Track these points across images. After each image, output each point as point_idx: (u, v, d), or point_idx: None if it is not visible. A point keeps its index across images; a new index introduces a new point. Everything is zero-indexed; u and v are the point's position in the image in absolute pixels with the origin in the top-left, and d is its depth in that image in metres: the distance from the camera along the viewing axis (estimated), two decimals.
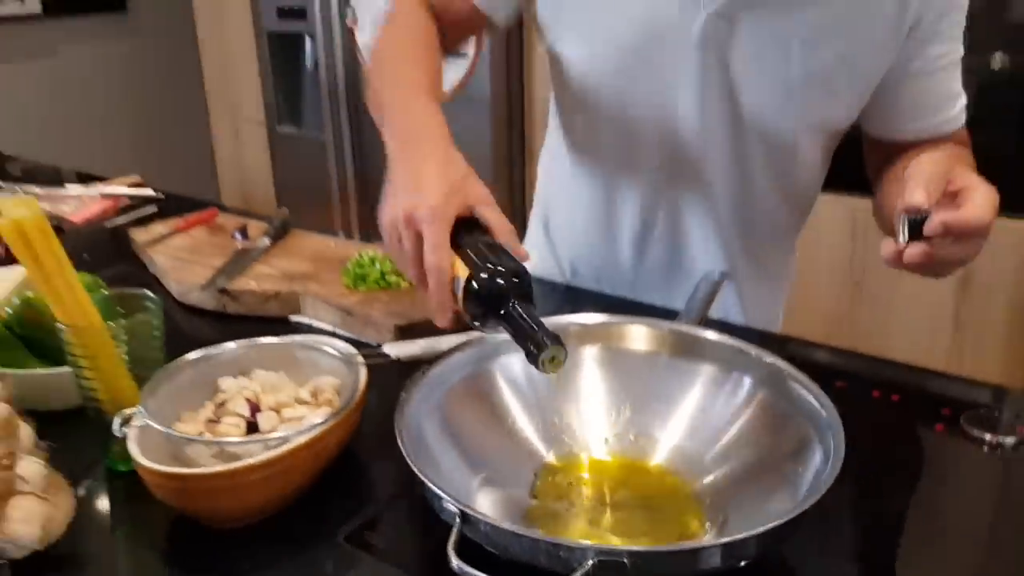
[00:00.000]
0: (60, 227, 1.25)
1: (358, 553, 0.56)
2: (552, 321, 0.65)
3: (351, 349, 0.68)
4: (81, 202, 1.44)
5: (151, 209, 1.45)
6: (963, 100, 0.83)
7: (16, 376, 0.68)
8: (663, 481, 0.59)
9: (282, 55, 2.42)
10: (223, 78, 2.77)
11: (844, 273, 1.73)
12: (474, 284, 0.54)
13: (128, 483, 0.64)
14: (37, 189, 1.48)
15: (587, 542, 0.45)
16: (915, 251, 0.60)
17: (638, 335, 0.66)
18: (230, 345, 0.69)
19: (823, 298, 1.76)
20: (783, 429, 0.55)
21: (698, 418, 0.60)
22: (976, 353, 1.57)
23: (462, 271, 0.56)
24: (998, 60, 1.53)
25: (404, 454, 0.51)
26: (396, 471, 0.62)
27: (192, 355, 0.66)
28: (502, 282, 0.53)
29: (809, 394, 0.54)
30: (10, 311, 0.76)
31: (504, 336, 0.62)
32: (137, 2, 3.59)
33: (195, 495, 0.56)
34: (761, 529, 0.43)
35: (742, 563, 0.45)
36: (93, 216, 1.41)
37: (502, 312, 0.54)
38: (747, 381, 0.59)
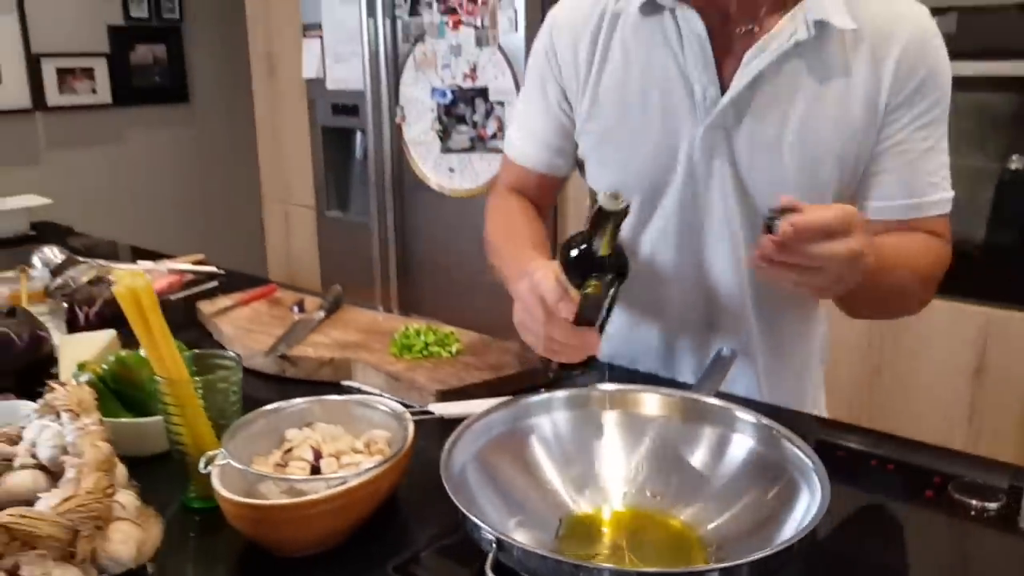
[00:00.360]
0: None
1: None
2: (577, 389, 0.75)
3: (400, 407, 0.78)
4: (152, 276, 1.59)
5: (213, 284, 1.59)
6: (936, 195, 0.88)
7: (112, 424, 0.79)
8: (674, 529, 0.67)
9: (333, 146, 2.62)
10: (277, 166, 2.99)
11: (864, 360, 1.79)
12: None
13: (202, 518, 0.74)
14: (112, 264, 1.63)
15: (604, 564, 0.53)
16: (766, 242, 0.68)
17: (652, 402, 0.75)
18: (297, 400, 0.79)
19: (844, 384, 1.81)
20: (776, 480, 0.63)
21: (704, 473, 0.68)
22: (991, 439, 1.61)
23: None
24: (1015, 162, 1.63)
25: (448, 491, 0.60)
26: (439, 513, 0.71)
27: (265, 408, 0.76)
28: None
29: (798, 450, 0.62)
30: (105, 367, 0.87)
31: (535, 398, 0.72)
32: (199, 94, 3.90)
33: (266, 524, 0.65)
34: (752, 557, 0.51)
35: None
36: (162, 289, 1.54)
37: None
38: (745, 441, 0.67)
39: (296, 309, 1.25)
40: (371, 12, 2.29)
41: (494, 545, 0.55)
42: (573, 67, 0.97)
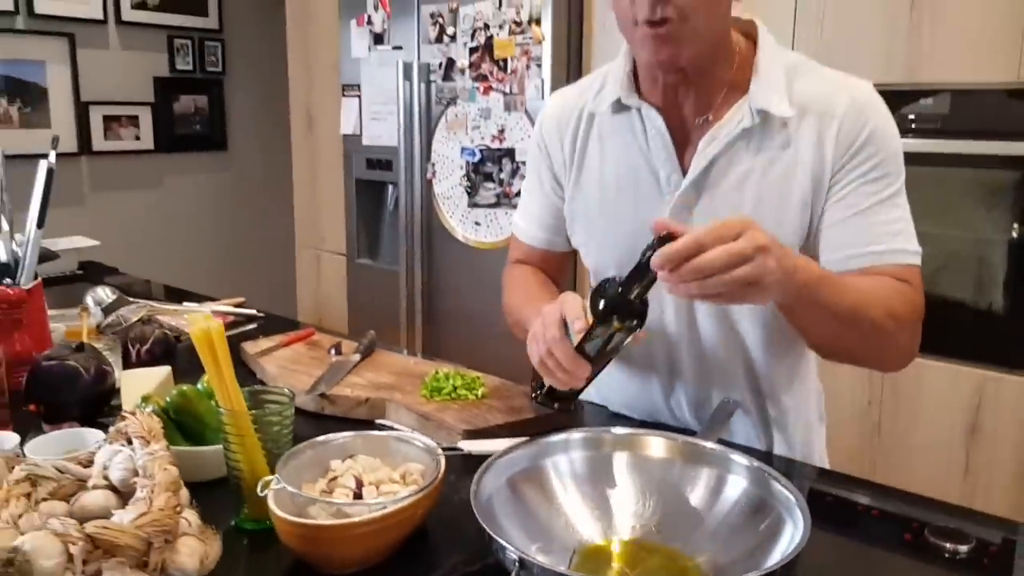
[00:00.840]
0: (179, 338, 1.48)
1: None
2: (591, 431, 0.84)
3: (432, 443, 0.87)
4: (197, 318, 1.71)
5: (252, 326, 1.70)
6: (894, 244, 0.94)
7: (176, 451, 0.88)
8: (676, 560, 0.75)
9: (366, 197, 2.77)
10: (312, 214, 3.14)
11: (864, 418, 1.86)
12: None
13: (253, 538, 0.83)
14: (160, 304, 1.75)
15: None
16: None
17: (657, 445, 0.83)
18: (341, 434, 0.88)
19: (845, 441, 1.88)
20: (765, 515, 0.71)
21: (702, 510, 0.77)
22: (985, 495, 1.67)
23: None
24: (1014, 231, 1.72)
25: (477, 517, 0.69)
26: (466, 539, 0.81)
27: (313, 440, 0.86)
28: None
29: (784, 488, 0.71)
30: (168, 400, 0.98)
31: (554, 438, 0.82)
32: (237, 143, 4.09)
33: (315, 542, 0.74)
34: None
35: None
36: None
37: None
38: (739, 481, 0.76)
39: (333, 352, 1.35)
40: (407, 76, 2.46)
41: (517, 564, 0.64)
42: (560, 157, 1.12)
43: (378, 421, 1.13)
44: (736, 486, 0.77)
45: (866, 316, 0.89)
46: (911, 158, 1.23)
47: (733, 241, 0.75)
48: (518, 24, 2.18)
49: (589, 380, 0.92)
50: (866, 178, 0.94)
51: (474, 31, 2.27)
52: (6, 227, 1.37)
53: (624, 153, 1.04)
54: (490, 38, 2.24)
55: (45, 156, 1.32)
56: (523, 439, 0.84)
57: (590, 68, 2.21)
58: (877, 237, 0.94)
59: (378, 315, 2.59)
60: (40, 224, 1.34)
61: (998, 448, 1.68)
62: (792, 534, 0.68)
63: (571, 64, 2.22)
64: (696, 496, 0.78)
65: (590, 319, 0.85)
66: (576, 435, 0.84)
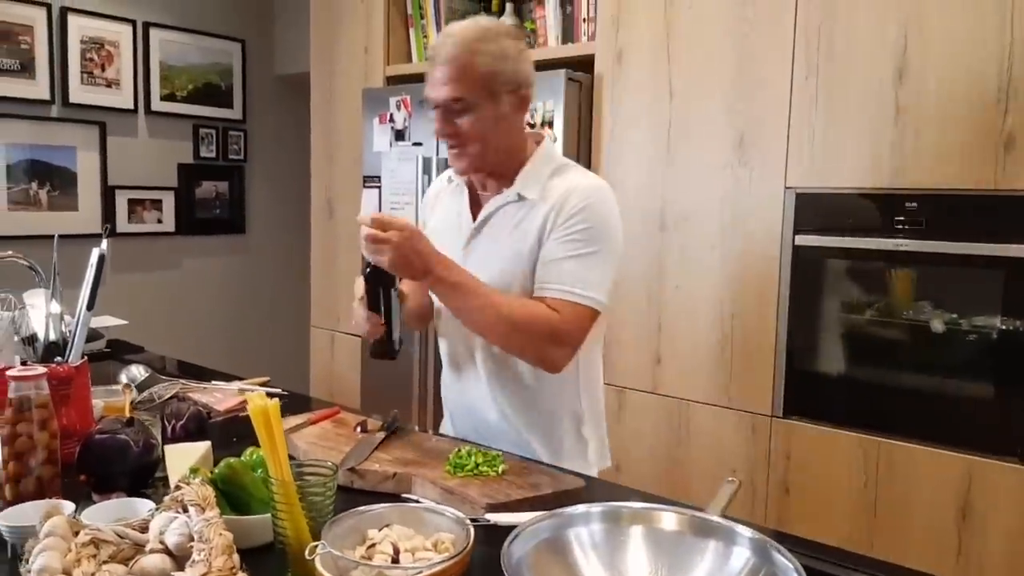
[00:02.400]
0: (209, 414, 1.56)
1: None
2: (611, 506, 0.92)
3: (461, 515, 0.95)
4: (223, 395, 1.79)
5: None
6: (559, 285, 1.35)
7: (226, 519, 0.96)
8: None
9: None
10: (328, 297, 3.25)
11: (860, 498, 1.92)
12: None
13: None
14: (190, 383, 1.84)
15: None
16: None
17: (669, 519, 0.91)
18: (378, 506, 0.96)
19: (843, 520, 1.93)
20: None
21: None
22: (977, 575, 1.73)
23: None
24: (999, 323, 1.82)
25: None
26: None
27: (353, 510, 0.94)
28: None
29: (782, 556, 0.79)
30: (216, 471, 1.06)
31: (576, 510, 0.90)
32: (255, 226, 4.25)
33: None
34: None
35: None
36: (233, 407, 1.74)
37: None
38: (743, 552, 0.84)
39: (359, 429, 1.43)
40: (426, 170, 2.63)
41: None
42: (429, 210, 1.63)
43: (404, 495, 1.21)
44: (740, 556, 0.84)
45: (494, 319, 1.32)
46: (898, 257, 1.35)
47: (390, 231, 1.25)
48: (531, 126, 2.36)
49: (389, 331, 1.38)
50: (564, 239, 1.36)
51: None
52: (56, 308, 1.47)
53: (447, 209, 1.55)
54: None
55: (70, 237, 1.43)
56: (547, 512, 0.92)
57: (600, 164, 2.37)
58: (559, 277, 1.35)
59: (390, 393, 2.67)
60: (90, 307, 1.44)
61: (989, 532, 1.73)
62: None
63: (580, 162, 2.38)
64: (705, 565, 0.85)
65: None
66: (595, 509, 0.92)
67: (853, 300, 1.94)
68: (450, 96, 1.34)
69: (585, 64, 2.42)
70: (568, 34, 2.58)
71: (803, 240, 1.97)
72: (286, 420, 1.49)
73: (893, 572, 0.99)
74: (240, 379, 1.92)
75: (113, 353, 2.20)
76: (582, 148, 2.39)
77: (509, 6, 2.79)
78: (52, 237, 1.53)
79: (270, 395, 1.78)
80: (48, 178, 3.49)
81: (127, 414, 1.41)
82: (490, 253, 1.44)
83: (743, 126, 2.07)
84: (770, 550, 0.81)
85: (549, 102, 2.32)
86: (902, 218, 1.83)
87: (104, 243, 1.46)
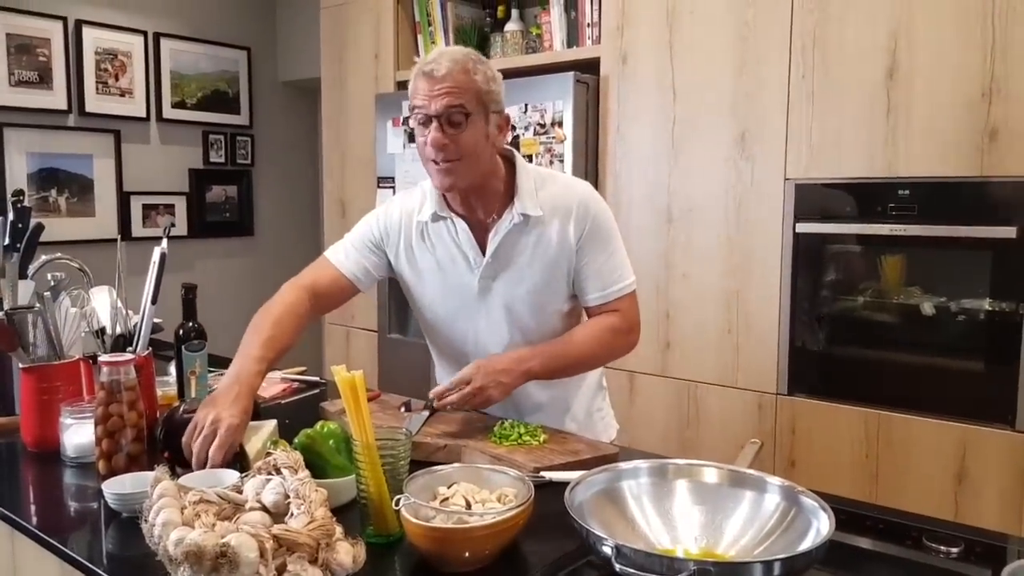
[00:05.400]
0: (256, 402, 1.68)
1: None
2: (657, 462, 1.05)
3: (519, 472, 1.08)
4: (268, 383, 1.91)
5: (317, 390, 1.90)
6: (617, 285, 1.49)
7: (317, 483, 1.08)
8: (723, 559, 0.95)
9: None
10: None
11: (863, 467, 2.06)
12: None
13: (378, 549, 1.02)
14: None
15: (690, 559, 0.82)
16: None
17: (709, 473, 1.04)
18: (446, 466, 1.09)
19: (847, 488, 2.06)
20: (796, 521, 0.92)
21: (747, 521, 0.97)
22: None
23: None
24: (989, 304, 1.96)
25: (574, 517, 0.90)
26: (552, 547, 1.00)
27: (424, 470, 1.06)
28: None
29: (811, 500, 0.92)
30: (297, 441, 1.18)
31: (625, 466, 1.03)
32: (263, 228, 4.36)
33: (442, 542, 0.94)
34: (785, 555, 0.80)
35: None
36: (277, 394, 1.86)
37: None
38: (774, 497, 0.97)
39: (404, 408, 1.55)
40: None
41: (614, 550, 0.84)
42: (394, 246, 1.58)
43: (455, 464, 1.33)
44: (772, 501, 0.97)
45: (586, 356, 1.50)
46: (892, 240, 1.48)
47: (468, 386, 1.39)
48: (542, 126, 2.49)
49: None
50: (595, 248, 1.48)
51: None
52: (120, 304, 1.58)
53: (443, 246, 1.53)
54: (516, 137, 2.54)
55: (88, 242, 1.54)
56: (601, 468, 1.05)
57: (606, 163, 2.50)
58: (612, 279, 1.49)
59: (409, 384, 2.78)
60: (154, 301, 1.56)
61: (983, 493, 1.88)
62: (819, 528, 0.88)
63: (588, 159, 2.51)
64: (741, 511, 0.98)
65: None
66: (643, 464, 1.05)
67: (851, 282, 2.08)
68: (451, 104, 1.34)
69: (590, 66, 2.55)
70: (572, 38, 2.71)
71: (803, 228, 2.11)
72: (334, 403, 1.61)
73: (887, 512, 1.12)
74: (281, 369, 2.03)
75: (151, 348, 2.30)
76: (590, 145, 2.52)
77: (515, 12, 2.92)
78: (72, 242, 1.65)
79: (310, 383, 1.91)
80: (67, 185, 3.59)
81: (193, 395, 1.53)
82: (515, 278, 1.48)
83: (744, 123, 2.21)
84: (798, 495, 0.94)
85: (559, 102, 2.45)
86: (895, 205, 1.97)
87: (164, 243, 1.57)
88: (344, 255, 1.60)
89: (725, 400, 2.29)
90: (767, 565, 0.81)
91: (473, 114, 1.37)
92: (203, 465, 1.18)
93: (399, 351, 2.97)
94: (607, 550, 0.85)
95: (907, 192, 1.96)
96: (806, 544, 0.88)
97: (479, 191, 1.46)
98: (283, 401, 1.83)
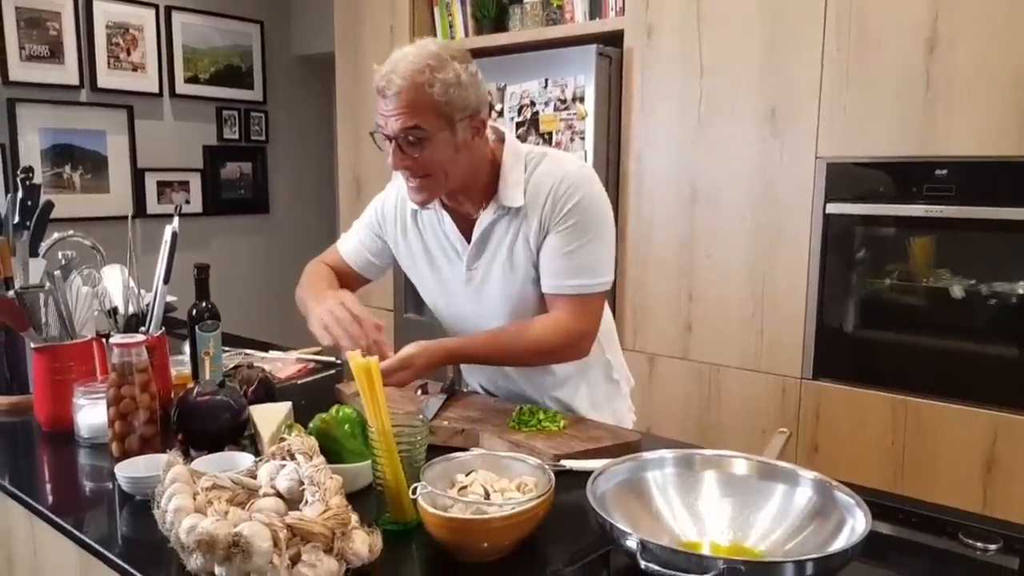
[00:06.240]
0: (270, 382, 1.65)
1: None
2: (684, 452, 1.01)
3: (539, 460, 1.04)
4: (282, 364, 1.89)
5: (332, 371, 1.88)
6: (569, 280, 1.38)
7: (332, 468, 1.05)
8: (756, 556, 0.91)
9: None
10: None
11: (889, 456, 2.01)
12: None
13: (394, 537, 0.99)
14: (252, 352, 1.93)
15: (718, 556, 0.78)
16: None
17: (739, 464, 1.00)
18: (464, 453, 1.06)
19: (873, 475, 2.03)
20: (829, 517, 0.87)
21: (777, 515, 0.93)
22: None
23: None
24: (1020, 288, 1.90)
25: (597, 510, 0.86)
26: (574, 537, 0.97)
27: (442, 457, 1.03)
28: None
29: (845, 495, 0.88)
30: (312, 426, 1.15)
31: (650, 456, 0.99)
32: (278, 205, 4.33)
33: (460, 533, 0.91)
34: (819, 554, 0.76)
35: None
36: (292, 374, 1.84)
37: None
38: (805, 491, 0.92)
39: (420, 391, 1.52)
40: None
41: (639, 546, 0.80)
42: (392, 233, 1.57)
43: (472, 449, 1.30)
44: (803, 495, 0.93)
45: (517, 352, 1.41)
46: (927, 222, 1.42)
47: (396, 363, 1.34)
48: (563, 101, 2.43)
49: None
50: (566, 233, 1.36)
51: (521, 107, 2.51)
52: (133, 284, 1.56)
53: (432, 234, 1.51)
54: (536, 113, 2.48)
55: (103, 219, 1.52)
56: (625, 457, 1.01)
57: (629, 140, 2.44)
58: (568, 273, 1.38)
59: None
60: (166, 280, 1.53)
61: (1013, 482, 1.83)
62: (853, 526, 0.84)
63: (611, 136, 2.45)
64: (772, 505, 0.94)
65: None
66: (669, 454, 1.01)
67: (882, 265, 2.02)
68: (406, 126, 1.25)
69: (614, 39, 2.48)
70: (595, 10, 2.63)
71: (834, 208, 2.05)
72: (349, 385, 1.58)
73: (921, 505, 1.08)
74: (296, 349, 2.01)
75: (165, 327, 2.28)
76: (612, 122, 2.46)
77: None
78: (87, 219, 1.63)
79: (325, 364, 1.89)
80: (80, 162, 3.57)
81: (207, 378, 1.50)
82: (498, 272, 1.44)
83: (774, 99, 2.14)
84: (832, 489, 0.90)
85: (580, 77, 2.39)
86: (931, 185, 1.90)
87: (176, 221, 1.54)
88: (351, 245, 1.62)
89: (747, 384, 2.24)
90: (799, 565, 0.77)
91: (433, 131, 1.27)
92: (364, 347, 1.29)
93: (415, 331, 2.94)
94: (632, 545, 0.81)
95: (945, 172, 1.89)
96: (840, 542, 0.84)
97: (462, 190, 1.41)
98: (298, 381, 1.80)
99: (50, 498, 1.15)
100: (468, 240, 1.45)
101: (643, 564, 0.79)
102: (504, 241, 1.43)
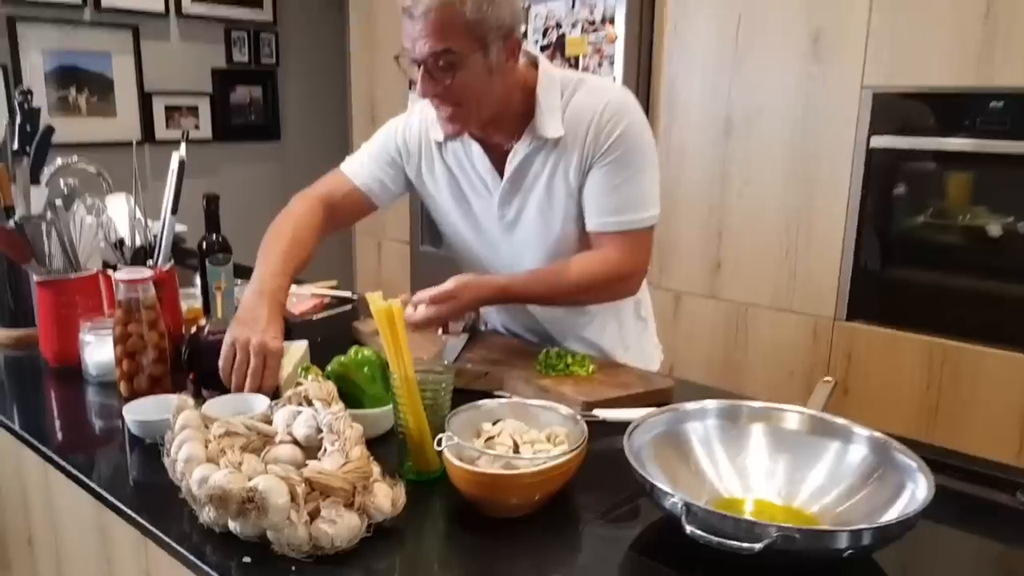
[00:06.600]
0: (286, 319, 1.59)
1: (591, 538, 0.84)
2: (729, 403, 0.94)
3: (571, 410, 0.98)
4: (296, 299, 1.82)
5: (348, 307, 1.81)
6: (616, 217, 1.29)
7: (351, 413, 0.99)
8: (804, 517, 0.85)
9: None
10: None
11: (922, 401, 1.95)
12: None
13: (417, 488, 0.93)
14: None
15: (772, 522, 0.72)
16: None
17: (790, 418, 0.93)
18: (491, 401, 0.99)
19: (902, 421, 1.97)
20: (886, 479, 0.81)
21: (830, 475, 0.86)
22: None
23: None
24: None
25: (636, 468, 0.80)
26: (609, 491, 0.91)
27: (468, 405, 0.97)
28: None
29: (903, 455, 0.81)
30: (330, 369, 1.09)
31: (691, 406, 0.92)
32: (290, 133, 4.21)
33: (489, 488, 0.85)
34: (881, 522, 0.70)
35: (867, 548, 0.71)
36: (307, 310, 1.77)
37: None
38: (860, 449, 0.86)
39: (440, 331, 1.46)
40: None
41: (683, 508, 0.74)
42: (414, 161, 1.44)
43: (496, 393, 1.24)
44: (857, 454, 0.86)
45: (570, 291, 1.32)
46: (974, 158, 1.30)
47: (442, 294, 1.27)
48: (591, 23, 2.28)
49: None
50: (611, 166, 1.27)
51: (546, 29, 2.37)
52: (140, 215, 1.48)
53: (460, 168, 1.39)
54: (562, 36, 2.33)
55: (110, 144, 1.43)
56: (664, 408, 0.94)
57: (661, 65, 2.30)
58: (614, 208, 1.29)
59: None
60: (174, 211, 1.45)
61: None
62: (913, 492, 0.77)
63: (642, 62, 2.31)
64: (824, 463, 0.88)
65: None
66: (711, 405, 0.94)
67: (926, 202, 1.91)
68: (435, 49, 1.16)
69: None
70: None
71: (878, 142, 1.93)
72: (367, 323, 1.52)
73: (955, 455, 1.01)
74: (310, 283, 1.94)
75: (174, 257, 2.22)
76: (643, 46, 2.31)
77: None
78: (94, 145, 1.54)
79: (341, 299, 1.82)
80: (86, 84, 3.45)
81: (219, 315, 1.44)
82: (533, 210, 1.35)
83: (819, 22, 1.99)
84: (891, 450, 0.83)
85: None
86: (985, 119, 1.77)
87: (183, 147, 1.45)
88: (359, 165, 1.47)
89: (777, 324, 2.16)
90: (855, 534, 0.71)
91: (465, 54, 1.16)
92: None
93: (432, 264, 2.87)
94: (675, 507, 0.75)
95: (1000, 104, 1.75)
96: (898, 508, 0.77)
97: (494, 119, 1.29)
98: (314, 317, 1.74)
99: (59, 441, 1.10)
100: (500, 174, 1.35)
101: (688, 529, 0.73)
102: (541, 176, 1.32)
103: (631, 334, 1.51)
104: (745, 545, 0.70)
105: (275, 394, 1.09)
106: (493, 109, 1.26)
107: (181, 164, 1.45)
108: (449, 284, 1.26)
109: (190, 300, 1.61)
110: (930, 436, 1.93)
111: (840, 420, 0.90)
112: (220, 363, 1.11)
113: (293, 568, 0.77)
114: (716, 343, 2.30)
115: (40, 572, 1.34)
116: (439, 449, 0.88)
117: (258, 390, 1.10)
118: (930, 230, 1.93)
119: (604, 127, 1.26)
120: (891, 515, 0.77)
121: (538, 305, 1.42)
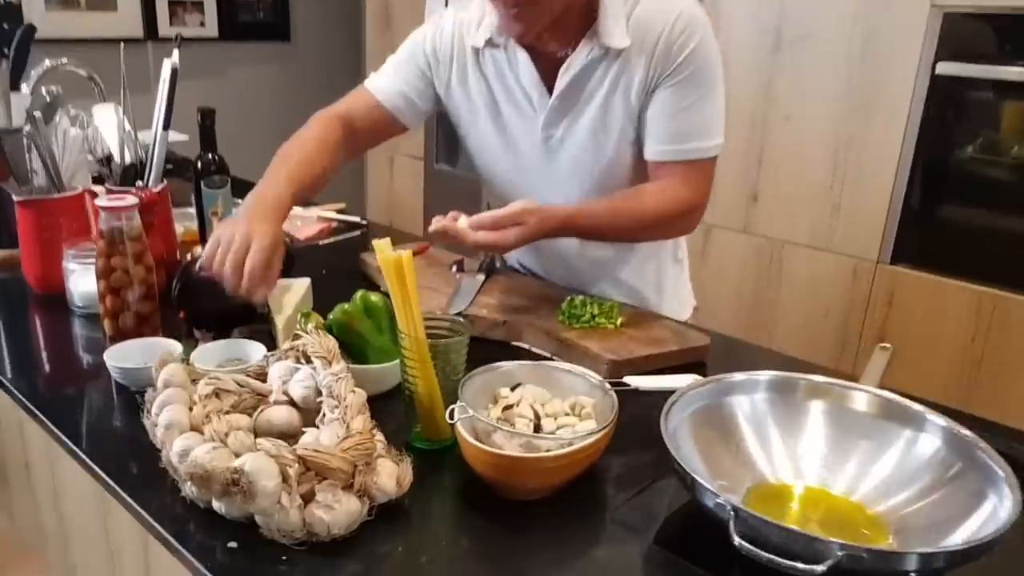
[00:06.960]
0: (287, 244, 1.48)
1: (616, 528, 0.74)
2: (784, 376, 0.83)
3: (599, 378, 0.87)
4: (301, 223, 1.70)
5: (356, 232, 1.70)
6: (681, 144, 1.16)
7: (353, 369, 0.89)
8: (861, 514, 0.75)
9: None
10: None
11: (965, 352, 1.84)
12: None
13: (425, 457, 0.84)
14: None
15: (835, 539, 0.62)
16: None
17: (853, 398, 0.82)
18: (509, 363, 0.89)
19: (944, 373, 1.87)
20: (961, 479, 0.70)
21: (897, 469, 0.76)
22: None
23: None
24: None
25: (676, 459, 0.69)
26: (637, 471, 0.82)
27: (483, 367, 0.86)
28: None
29: (991, 460, 0.70)
30: (331, 318, 0.98)
31: (739, 377, 0.81)
32: (300, 34, 3.97)
33: (506, 471, 0.75)
34: (964, 545, 0.60)
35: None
36: (313, 235, 1.66)
37: None
38: (934, 441, 0.75)
39: (455, 269, 1.34)
40: None
41: (732, 513, 0.64)
42: (444, 78, 1.29)
43: (515, 343, 1.14)
44: (930, 446, 0.75)
45: (633, 227, 1.20)
46: None
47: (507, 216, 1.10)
48: None
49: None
50: (680, 86, 1.14)
51: None
52: (129, 127, 1.35)
53: (500, 81, 1.24)
54: None
55: (113, 41, 1.28)
56: (708, 378, 0.83)
57: None
58: (677, 137, 1.16)
59: None
60: (166, 126, 1.32)
61: None
62: (995, 507, 0.67)
63: None
64: (891, 454, 0.77)
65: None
66: (762, 376, 0.83)
67: (994, 139, 1.74)
68: None
69: None
70: None
71: (945, 68, 1.74)
72: (374, 255, 1.41)
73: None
74: (316, 205, 1.82)
75: (174, 170, 2.09)
76: None
77: None
78: (93, 41, 1.38)
79: (349, 224, 1.70)
80: None
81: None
82: (585, 131, 1.21)
83: None
84: (974, 449, 0.72)
85: None
86: None
87: (175, 54, 1.31)
88: (384, 79, 1.31)
89: (814, 264, 2.03)
90: (927, 557, 0.61)
91: None
92: (237, 291, 0.98)
93: (447, 184, 2.72)
94: (722, 509, 0.65)
95: None
96: (976, 521, 0.67)
97: (553, 27, 1.14)
98: (320, 243, 1.63)
99: (38, 383, 1.02)
100: (548, 89, 1.20)
101: (736, 541, 0.63)
102: (598, 92, 1.18)
103: (668, 278, 1.40)
104: (802, 566, 0.60)
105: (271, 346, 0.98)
106: (560, 9, 1.10)
107: (174, 72, 1.31)
108: (515, 207, 1.10)
109: (187, 221, 1.50)
110: (971, 391, 1.83)
111: (915, 405, 0.79)
112: (201, 262, 1.00)
113: (284, 558, 0.69)
114: (746, 280, 2.17)
115: (39, 498, 1.30)
116: (452, 423, 0.78)
117: (246, 294, 0.98)
118: (995, 170, 1.76)
119: (676, 40, 1.12)
120: (969, 529, 0.67)
121: (595, 240, 1.28)
